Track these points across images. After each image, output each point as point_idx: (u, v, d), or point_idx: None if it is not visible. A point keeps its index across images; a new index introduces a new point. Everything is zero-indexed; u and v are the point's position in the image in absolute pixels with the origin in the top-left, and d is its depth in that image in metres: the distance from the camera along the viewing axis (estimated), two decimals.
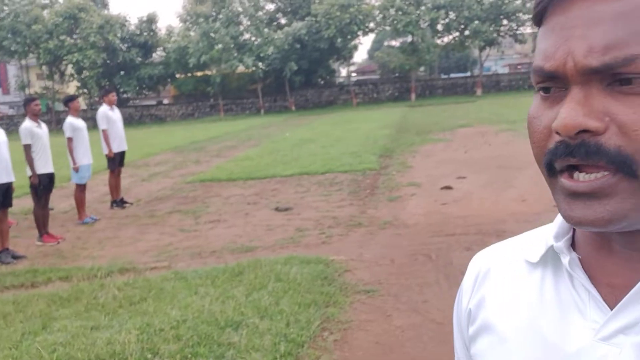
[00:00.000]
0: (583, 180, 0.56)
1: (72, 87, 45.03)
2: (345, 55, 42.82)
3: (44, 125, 8.10)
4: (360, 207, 8.27)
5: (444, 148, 13.92)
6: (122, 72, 43.61)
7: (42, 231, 7.89)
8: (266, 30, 40.79)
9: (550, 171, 0.59)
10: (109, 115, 9.65)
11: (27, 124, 7.86)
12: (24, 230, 8.53)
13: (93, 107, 38.15)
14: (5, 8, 41.44)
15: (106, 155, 9.66)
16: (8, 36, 40.71)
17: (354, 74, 52.48)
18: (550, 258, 0.67)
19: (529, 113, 0.62)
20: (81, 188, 8.95)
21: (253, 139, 20.65)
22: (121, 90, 42.83)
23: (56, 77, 44.36)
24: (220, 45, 39.35)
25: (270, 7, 43.81)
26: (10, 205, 7.41)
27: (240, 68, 41.94)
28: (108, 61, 42.79)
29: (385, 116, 27.21)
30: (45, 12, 42.34)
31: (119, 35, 42.22)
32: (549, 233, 0.67)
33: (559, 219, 0.67)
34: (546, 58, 0.57)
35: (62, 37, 41.46)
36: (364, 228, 7.14)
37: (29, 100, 8.15)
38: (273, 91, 44.16)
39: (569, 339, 0.62)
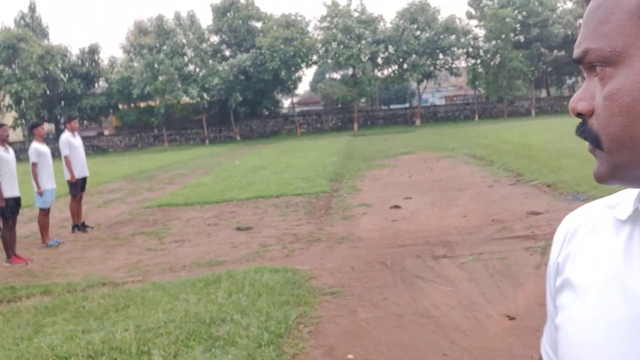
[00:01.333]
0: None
1: (9, 118, 44.03)
2: (289, 86, 43.80)
3: (11, 150, 8.37)
4: (317, 225, 8.87)
5: (390, 173, 14.76)
6: (62, 103, 43.05)
7: (9, 253, 8.10)
8: (211, 61, 41.32)
9: None
10: (72, 141, 9.97)
11: None
12: None
13: (31, 139, 37.40)
14: None
15: (68, 181, 9.94)
16: None
17: (297, 105, 53.51)
18: (639, 217, 0.69)
19: None
20: (45, 212, 9.19)
21: (203, 167, 21.03)
22: (62, 121, 42.19)
23: None
24: (164, 76, 39.55)
25: (215, 39, 44.46)
26: None
27: (185, 99, 42.21)
28: (48, 92, 42.23)
29: (331, 145, 28.10)
30: None
31: (59, 65, 41.81)
32: (637, 194, 0.70)
33: None
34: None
35: None
36: (323, 243, 7.74)
37: None
38: (218, 121, 44.57)
39: None
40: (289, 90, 45.15)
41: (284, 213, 10.08)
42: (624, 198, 0.73)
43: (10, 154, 8.26)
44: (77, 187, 10.02)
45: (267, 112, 46.23)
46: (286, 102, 52.40)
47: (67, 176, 9.90)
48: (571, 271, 0.75)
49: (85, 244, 9.00)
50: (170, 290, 5.78)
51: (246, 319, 4.71)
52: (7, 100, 42.68)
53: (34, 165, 9.01)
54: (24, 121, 42.13)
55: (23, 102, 41.54)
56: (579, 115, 0.67)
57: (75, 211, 10.14)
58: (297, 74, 42.25)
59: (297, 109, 50.68)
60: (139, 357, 4.18)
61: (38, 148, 9.05)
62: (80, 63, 43.53)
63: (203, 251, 7.82)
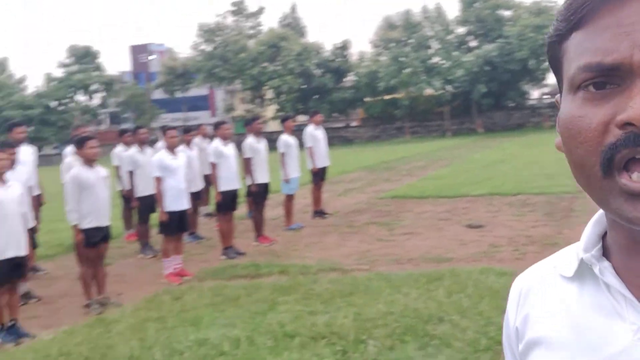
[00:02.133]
0: None
1: (270, 110, 48.95)
2: (538, 77, 41.33)
3: (262, 141, 9.28)
4: (556, 228, 8.24)
5: None
6: (316, 97, 46.40)
7: (258, 233, 9.02)
8: (456, 53, 40.86)
9: (608, 170, 0.58)
10: (314, 134, 10.69)
11: (249, 140, 9.07)
12: (239, 233, 9.71)
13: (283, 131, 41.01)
14: (217, 39, 46.48)
15: (311, 170, 10.70)
16: (218, 64, 45.54)
17: (546, 96, 50.19)
18: (585, 270, 0.69)
19: (570, 113, 0.62)
20: (290, 198, 10.02)
21: (442, 159, 20.94)
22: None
23: (257, 101, 48.57)
24: (409, 69, 40.23)
25: (461, 30, 43.80)
26: (235, 209, 8.65)
27: (428, 91, 42.45)
28: (304, 86, 45.84)
29: None
30: (251, 42, 46.66)
31: (314, 61, 45.11)
32: (579, 246, 0.70)
33: (586, 232, 0.71)
34: (605, 52, 0.58)
35: (264, 65, 45.42)
36: (560, 247, 7.09)
37: (252, 119, 9.54)
38: (460, 113, 43.92)
39: (611, 341, 0.64)
40: (538, 81, 42.56)
41: (519, 213, 9.56)
42: (565, 255, 0.74)
43: (261, 145, 9.16)
44: (318, 176, 10.72)
45: (512, 104, 44.23)
46: (535, 93, 49.53)
47: (310, 166, 10.65)
48: (532, 332, 0.74)
49: (323, 230, 9.59)
50: (394, 282, 5.88)
51: (464, 321, 4.57)
52: (269, 94, 47.51)
53: (282, 155, 9.85)
54: (282, 113, 46.40)
55: (282, 95, 45.81)
56: None
57: (316, 198, 10.88)
58: (546, 64, 39.62)
59: (547, 100, 47.51)
60: (355, 345, 4.33)
61: (286, 140, 9.88)
62: (332, 58, 46.42)
63: (431, 245, 7.80)
